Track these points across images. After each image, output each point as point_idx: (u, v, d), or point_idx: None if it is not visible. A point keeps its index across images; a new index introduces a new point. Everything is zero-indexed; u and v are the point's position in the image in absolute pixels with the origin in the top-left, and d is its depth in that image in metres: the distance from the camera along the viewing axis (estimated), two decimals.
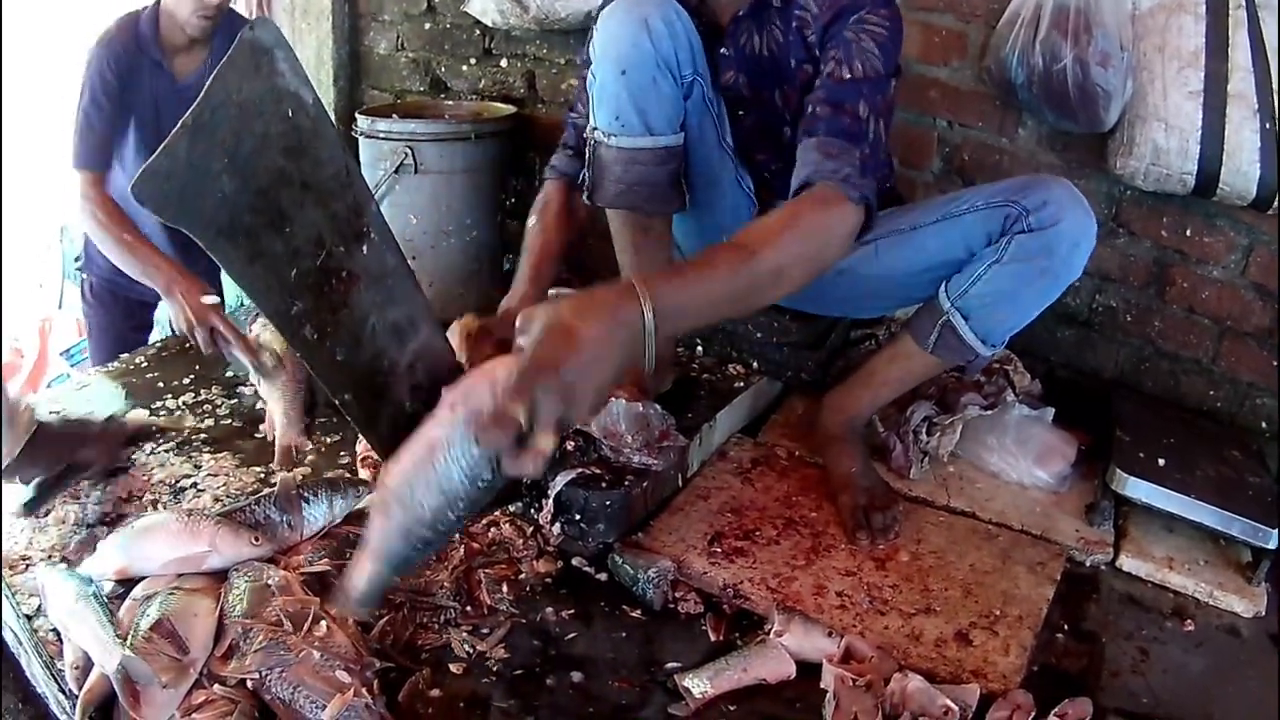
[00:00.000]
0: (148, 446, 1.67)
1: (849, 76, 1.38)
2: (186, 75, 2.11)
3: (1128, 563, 1.58)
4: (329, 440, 1.73)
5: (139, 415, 1.78)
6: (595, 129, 1.53)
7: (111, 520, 1.45)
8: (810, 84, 1.47)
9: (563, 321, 0.94)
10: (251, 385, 1.87)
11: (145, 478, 1.57)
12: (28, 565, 1.35)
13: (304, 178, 0.90)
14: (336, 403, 1.07)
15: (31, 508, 1.47)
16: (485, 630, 1.31)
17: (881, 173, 1.38)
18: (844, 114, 1.35)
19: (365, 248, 0.96)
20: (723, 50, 1.55)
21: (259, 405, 1.84)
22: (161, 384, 1.93)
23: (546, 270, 1.67)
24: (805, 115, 1.41)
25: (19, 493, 1.48)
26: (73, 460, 1.51)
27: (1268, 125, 1.70)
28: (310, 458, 1.67)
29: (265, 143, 0.87)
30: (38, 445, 1.40)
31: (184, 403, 1.85)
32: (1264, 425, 1.93)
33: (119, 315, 2.40)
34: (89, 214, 2.03)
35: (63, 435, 1.52)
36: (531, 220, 1.72)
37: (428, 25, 2.83)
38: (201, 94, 0.81)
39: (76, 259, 2.39)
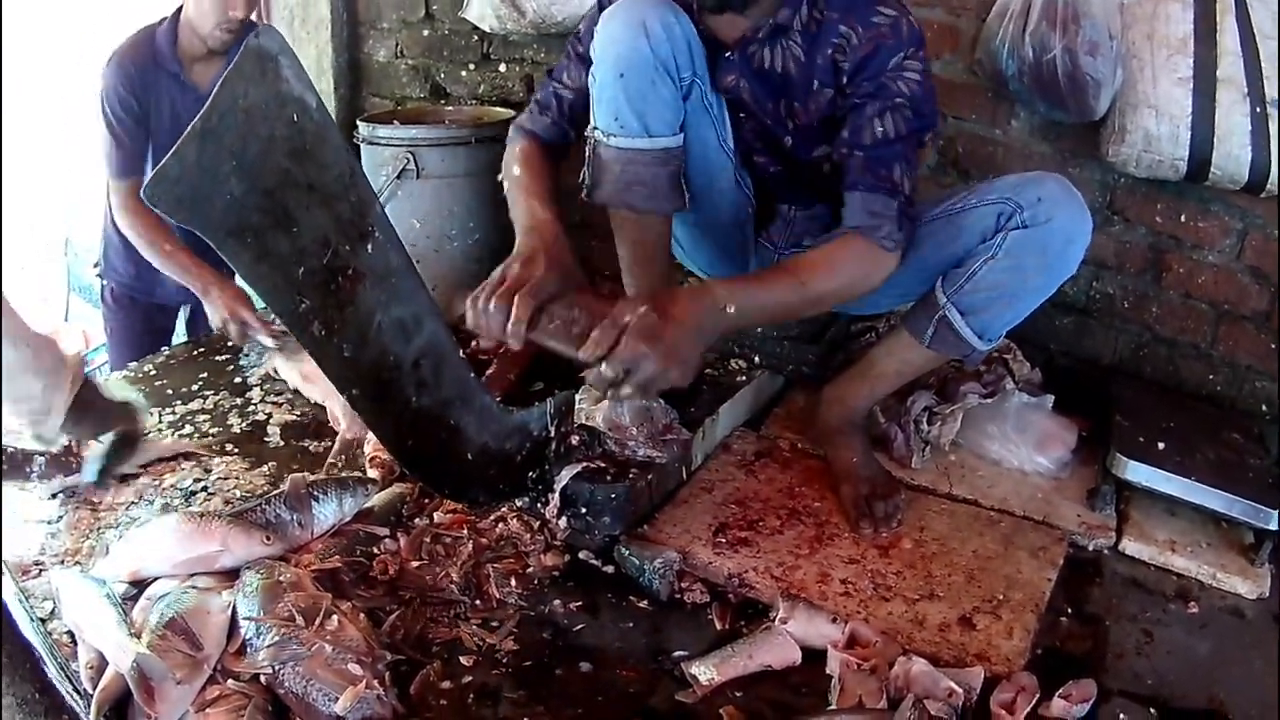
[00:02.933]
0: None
1: (888, 136, 1.44)
2: (206, 85, 2.13)
3: (1130, 546, 1.59)
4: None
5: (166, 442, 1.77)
6: (595, 129, 1.55)
7: (123, 522, 1.47)
8: (827, 105, 1.52)
9: (662, 307, 1.24)
10: (279, 383, 1.91)
11: (156, 482, 1.59)
12: (41, 570, 1.37)
13: (309, 179, 0.92)
14: (345, 399, 1.09)
15: (104, 476, 1.50)
16: (495, 623, 1.32)
17: (914, 211, 1.50)
18: (881, 177, 1.44)
19: (370, 246, 0.98)
20: (727, 55, 1.56)
21: (269, 412, 1.86)
22: (171, 390, 1.95)
23: (552, 206, 1.50)
24: (845, 159, 1.48)
25: (90, 459, 1.50)
26: (122, 430, 1.51)
27: (1258, 109, 1.71)
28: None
29: (271, 146, 0.89)
30: (85, 399, 1.38)
31: (194, 409, 1.87)
32: (1263, 408, 1.94)
33: (138, 320, 2.42)
34: (131, 226, 2.10)
35: (104, 397, 1.50)
36: (515, 170, 1.59)
37: (426, 32, 2.85)
38: (209, 100, 0.83)
39: (95, 264, 2.42)
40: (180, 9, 2.12)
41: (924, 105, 1.46)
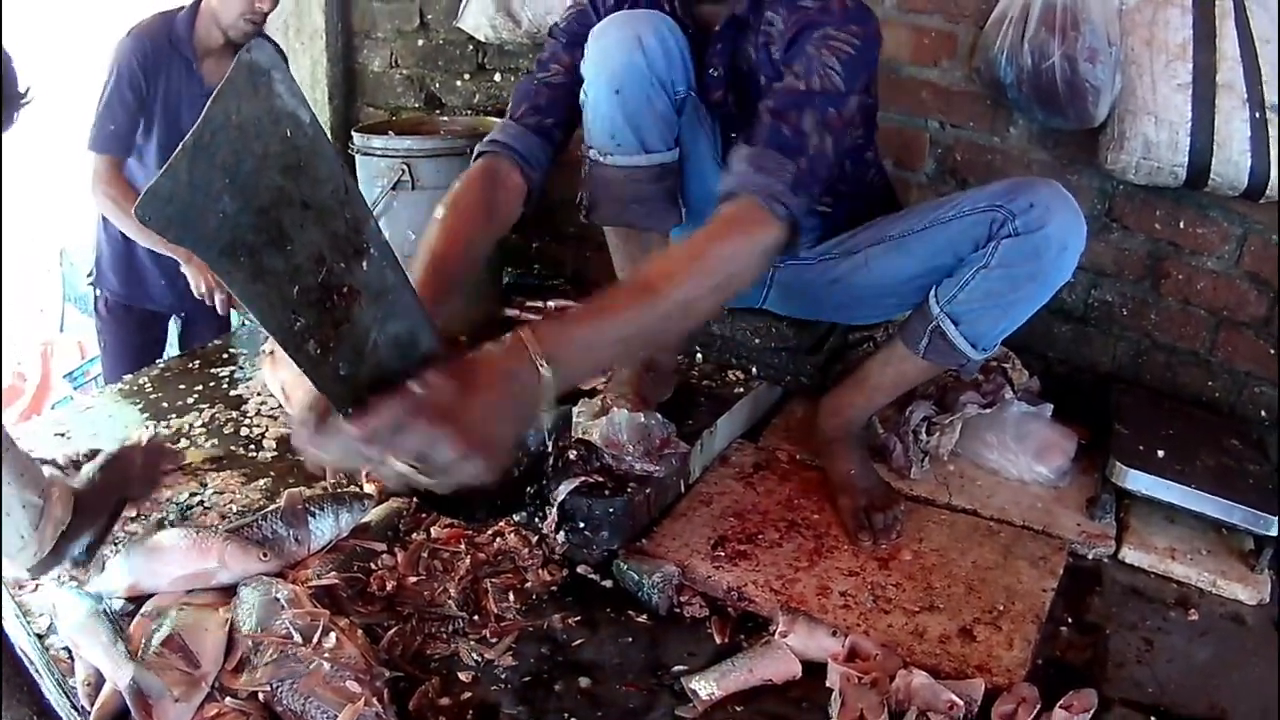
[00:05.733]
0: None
1: (801, 88, 1.32)
2: (213, 81, 2.13)
3: (1130, 554, 1.59)
4: None
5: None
6: (590, 148, 1.53)
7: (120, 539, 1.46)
8: None
9: (453, 387, 0.94)
10: (273, 396, 1.91)
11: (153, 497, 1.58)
12: (38, 585, 1.36)
13: (303, 196, 0.91)
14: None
15: (83, 560, 1.40)
16: (493, 639, 1.32)
17: (819, 188, 1.31)
18: (786, 124, 1.29)
19: (365, 263, 0.97)
20: (711, 71, 1.54)
21: (265, 425, 1.86)
22: (166, 403, 1.94)
23: (440, 282, 1.28)
24: (752, 122, 1.36)
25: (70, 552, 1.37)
26: (119, 505, 1.45)
27: (1257, 115, 1.71)
28: None
29: (264, 163, 0.88)
30: (80, 514, 1.32)
31: (189, 422, 1.86)
32: (1263, 414, 1.93)
33: (132, 329, 2.42)
34: (104, 195, 2.11)
35: (103, 490, 1.42)
36: (439, 211, 1.38)
37: (421, 42, 2.85)
38: (201, 116, 0.82)
39: (89, 274, 2.42)
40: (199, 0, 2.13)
41: (855, 66, 1.34)
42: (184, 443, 1.78)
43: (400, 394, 0.93)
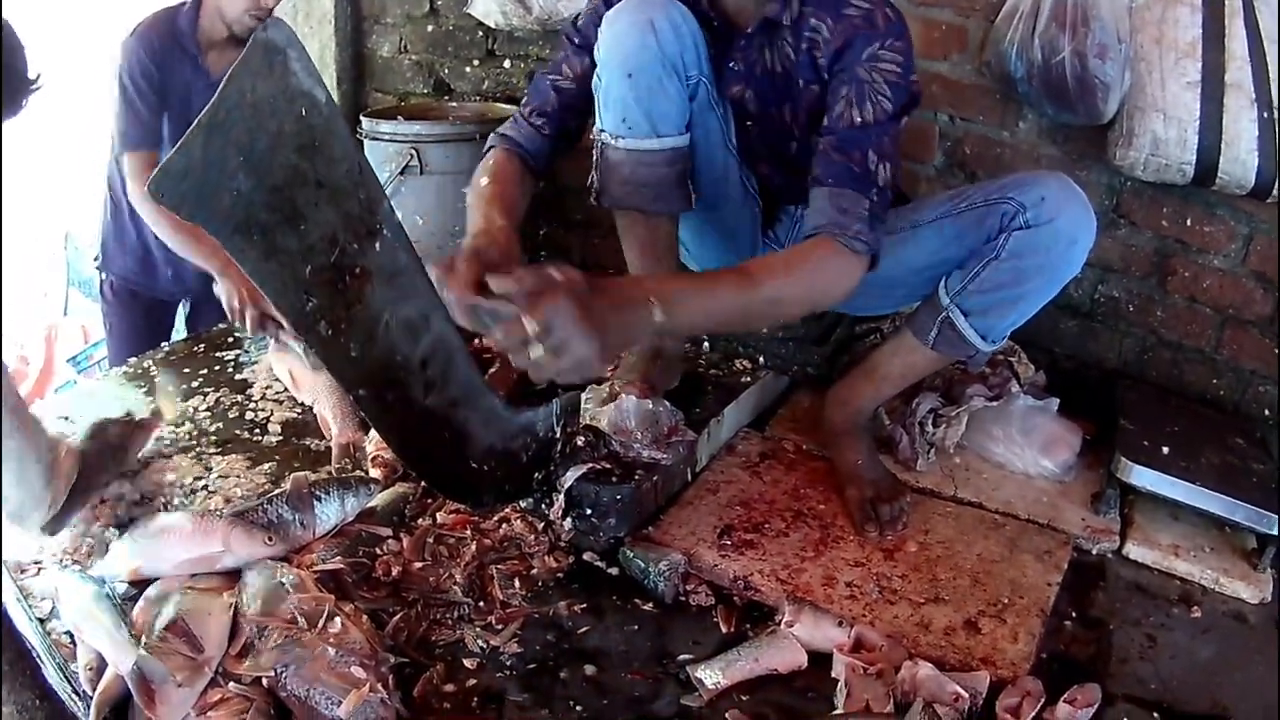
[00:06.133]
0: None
1: (859, 121, 1.39)
2: (219, 73, 2.11)
3: (1134, 550, 1.59)
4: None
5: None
6: (602, 130, 1.54)
7: (124, 523, 1.46)
8: (815, 102, 1.49)
9: (581, 290, 1.05)
10: (279, 380, 1.90)
11: (157, 480, 1.58)
12: (40, 569, 1.36)
13: (317, 176, 0.91)
14: (352, 398, 1.08)
15: (55, 527, 1.45)
16: (498, 625, 1.31)
17: (888, 209, 1.41)
18: (853, 163, 1.37)
19: (378, 244, 0.97)
20: (731, 64, 1.55)
21: (271, 409, 1.85)
22: (171, 387, 1.93)
23: (512, 217, 1.41)
24: (816, 154, 1.42)
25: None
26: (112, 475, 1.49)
27: (1265, 114, 1.71)
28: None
29: (279, 141, 0.88)
30: (85, 478, 1.36)
31: (194, 405, 1.86)
32: (1267, 412, 1.93)
33: (138, 314, 2.41)
34: (144, 199, 2.04)
35: (100, 456, 1.46)
36: (483, 180, 1.50)
37: (430, 27, 2.84)
38: (217, 93, 0.82)
39: (95, 258, 2.40)
40: None
41: (902, 86, 1.41)
42: (188, 426, 1.77)
43: (558, 285, 1.04)
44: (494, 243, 1.27)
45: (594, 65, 1.52)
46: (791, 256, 1.38)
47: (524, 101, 1.63)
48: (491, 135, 1.62)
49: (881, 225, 1.38)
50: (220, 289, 1.98)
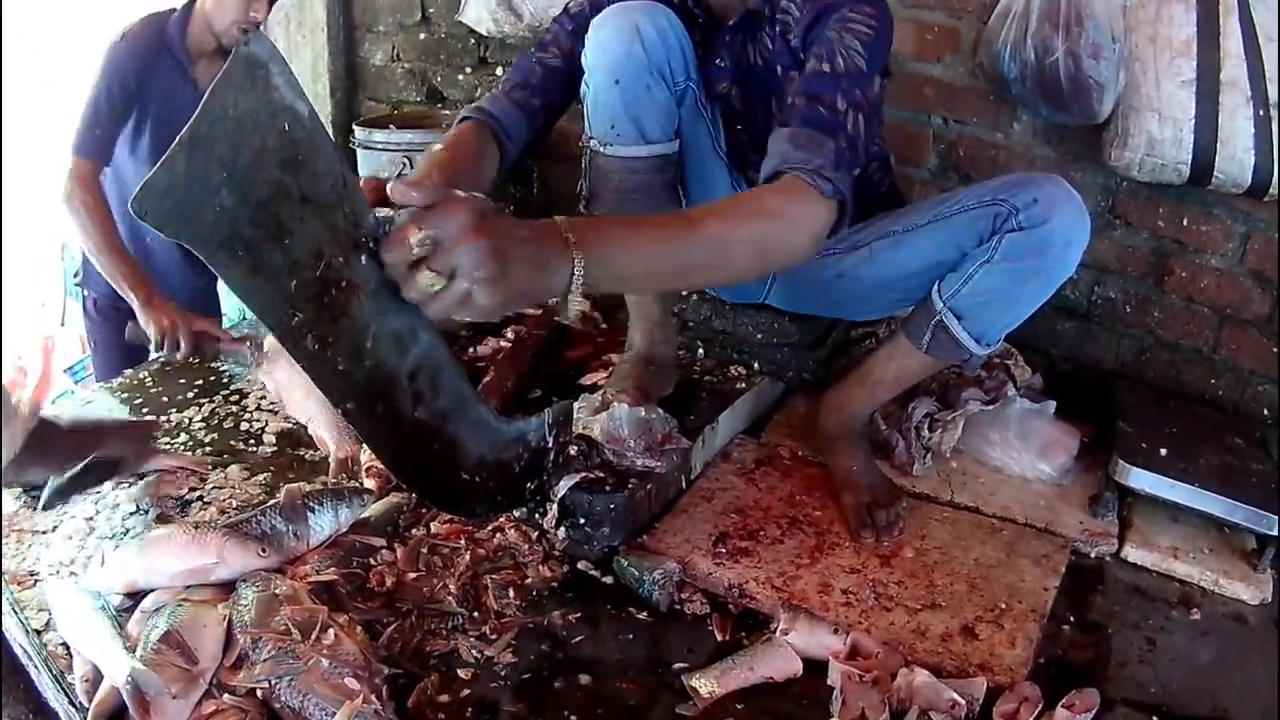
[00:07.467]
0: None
1: (828, 71, 1.34)
2: (207, 83, 2.11)
3: (1132, 553, 1.59)
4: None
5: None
6: (591, 138, 1.54)
7: (119, 533, 1.46)
8: None
9: (486, 208, 0.94)
10: (268, 399, 1.90)
11: (154, 490, 1.58)
12: (35, 580, 1.36)
13: (302, 190, 0.91)
14: (340, 413, 1.07)
15: (50, 504, 1.47)
16: (493, 635, 1.31)
17: (858, 168, 1.31)
18: (820, 105, 1.30)
19: (364, 258, 0.96)
20: (717, 62, 1.54)
21: (265, 420, 1.85)
22: (166, 398, 1.93)
23: (454, 183, 1.16)
24: (783, 110, 1.37)
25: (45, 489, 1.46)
26: (98, 456, 1.49)
27: (1261, 112, 1.70)
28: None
29: (262, 157, 0.87)
30: (44, 441, 1.35)
31: (189, 416, 1.86)
32: (1265, 412, 1.93)
33: (121, 331, 2.40)
34: (77, 202, 2.02)
35: (75, 432, 1.48)
36: (435, 147, 1.44)
37: (423, 35, 2.84)
38: (198, 109, 0.82)
39: (75, 274, 2.39)
40: (193, 1, 2.11)
41: (876, 47, 1.36)
42: (184, 437, 1.77)
43: (460, 199, 0.93)
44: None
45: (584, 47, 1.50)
46: (741, 196, 1.26)
47: (503, 82, 1.57)
48: (462, 111, 1.53)
49: (848, 173, 1.25)
50: (143, 319, 1.97)
